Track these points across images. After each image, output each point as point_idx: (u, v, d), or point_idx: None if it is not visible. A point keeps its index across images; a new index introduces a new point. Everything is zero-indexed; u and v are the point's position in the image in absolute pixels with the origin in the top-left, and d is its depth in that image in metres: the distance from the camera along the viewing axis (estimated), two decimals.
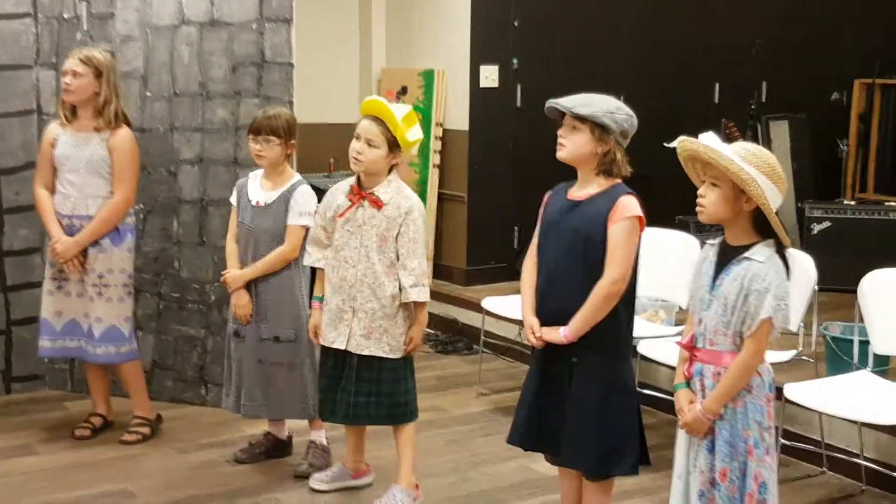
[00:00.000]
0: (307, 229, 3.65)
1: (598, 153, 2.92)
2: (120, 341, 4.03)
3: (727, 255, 2.63)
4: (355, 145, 3.36)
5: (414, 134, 3.38)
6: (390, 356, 3.39)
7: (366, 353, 3.38)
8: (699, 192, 2.63)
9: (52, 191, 4.03)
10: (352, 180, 3.46)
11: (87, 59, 3.94)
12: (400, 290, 3.36)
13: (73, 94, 3.94)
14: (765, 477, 2.61)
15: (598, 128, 2.89)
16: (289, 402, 3.76)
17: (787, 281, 2.58)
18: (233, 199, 3.85)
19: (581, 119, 2.90)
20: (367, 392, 3.41)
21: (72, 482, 3.71)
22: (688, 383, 2.72)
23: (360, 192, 3.40)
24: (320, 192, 3.71)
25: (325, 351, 3.48)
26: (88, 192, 3.97)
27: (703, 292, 2.67)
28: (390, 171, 3.41)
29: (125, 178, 4.01)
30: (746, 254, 2.59)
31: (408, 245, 3.35)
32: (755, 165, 2.54)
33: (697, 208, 2.64)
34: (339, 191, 3.48)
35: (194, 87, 4.39)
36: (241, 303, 3.74)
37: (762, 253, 2.58)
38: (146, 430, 4.14)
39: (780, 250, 2.60)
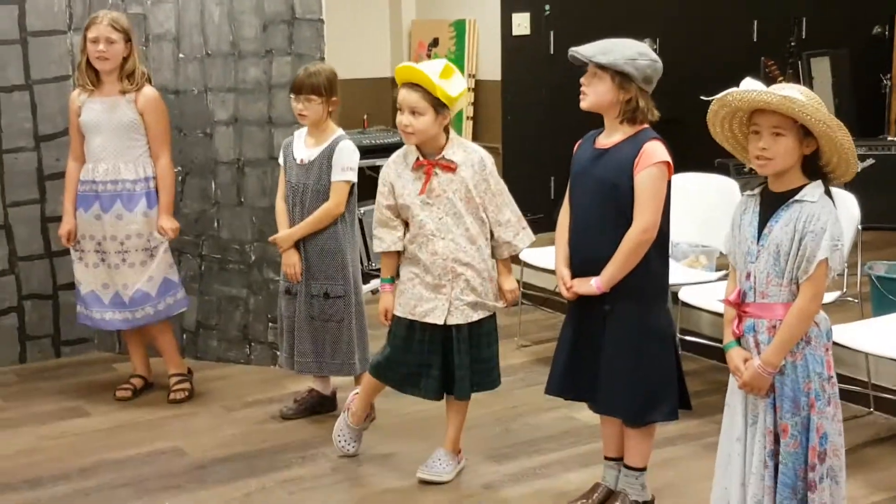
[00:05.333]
0: (352, 184, 3.70)
1: (620, 101, 2.89)
2: (146, 301, 4.05)
3: (772, 203, 2.53)
4: (401, 119, 3.19)
5: (456, 87, 3.19)
6: (488, 315, 3.29)
7: (473, 319, 3.26)
8: (760, 145, 2.48)
9: (83, 160, 4.06)
10: (405, 152, 3.29)
11: (118, 24, 3.92)
12: (493, 247, 3.26)
13: (109, 61, 3.93)
14: (826, 428, 2.52)
15: (620, 75, 2.85)
16: (338, 358, 3.78)
17: (839, 221, 2.50)
18: (280, 159, 3.85)
19: (602, 67, 2.86)
20: (470, 362, 3.29)
21: (124, 441, 3.79)
22: (738, 341, 2.61)
23: (430, 162, 3.22)
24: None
25: (399, 321, 3.32)
26: (121, 156, 3.99)
27: (748, 244, 2.56)
28: (447, 130, 3.25)
29: (166, 138, 4.04)
30: (797, 196, 2.49)
31: (493, 200, 3.23)
32: (818, 107, 2.43)
33: (759, 163, 2.50)
34: (398, 166, 3.29)
35: (226, 46, 4.39)
36: (290, 262, 3.76)
37: (814, 194, 2.49)
38: (188, 384, 4.21)
39: (828, 190, 2.51)
